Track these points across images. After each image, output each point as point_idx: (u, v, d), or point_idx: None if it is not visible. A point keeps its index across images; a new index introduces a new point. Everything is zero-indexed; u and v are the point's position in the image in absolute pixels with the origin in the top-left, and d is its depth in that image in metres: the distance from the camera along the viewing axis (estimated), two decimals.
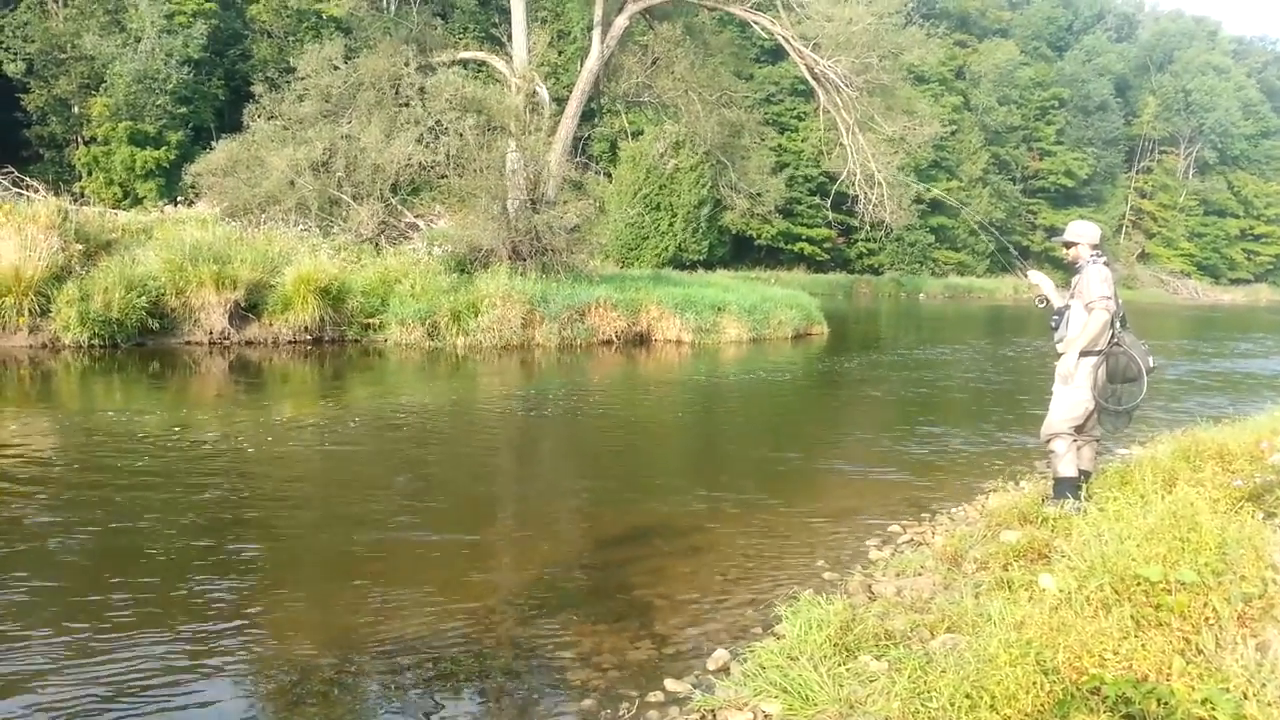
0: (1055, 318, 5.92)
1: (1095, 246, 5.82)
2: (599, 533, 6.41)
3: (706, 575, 5.48)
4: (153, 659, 4.20)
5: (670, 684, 4.04)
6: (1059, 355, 5.85)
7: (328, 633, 4.56)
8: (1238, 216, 76.81)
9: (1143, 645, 3.35)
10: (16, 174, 19.46)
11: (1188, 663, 3.24)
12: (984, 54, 68.66)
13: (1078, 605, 3.74)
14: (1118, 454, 7.94)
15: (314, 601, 5.03)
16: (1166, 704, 2.91)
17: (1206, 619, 3.51)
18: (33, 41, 35.91)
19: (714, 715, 3.73)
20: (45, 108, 37.03)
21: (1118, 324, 5.68)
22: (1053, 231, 62.14)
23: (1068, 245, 5.91)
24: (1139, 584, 3.77)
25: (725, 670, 4.16)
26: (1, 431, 8.96)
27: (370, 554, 5.70)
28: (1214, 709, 2.87)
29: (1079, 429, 5.79)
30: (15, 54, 35.77)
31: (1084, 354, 5.66)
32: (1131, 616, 3.57)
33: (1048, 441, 5.90)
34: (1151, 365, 5.60)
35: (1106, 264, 5.75)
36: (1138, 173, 77.64)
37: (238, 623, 4.64)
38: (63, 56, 36.40)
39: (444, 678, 4.14)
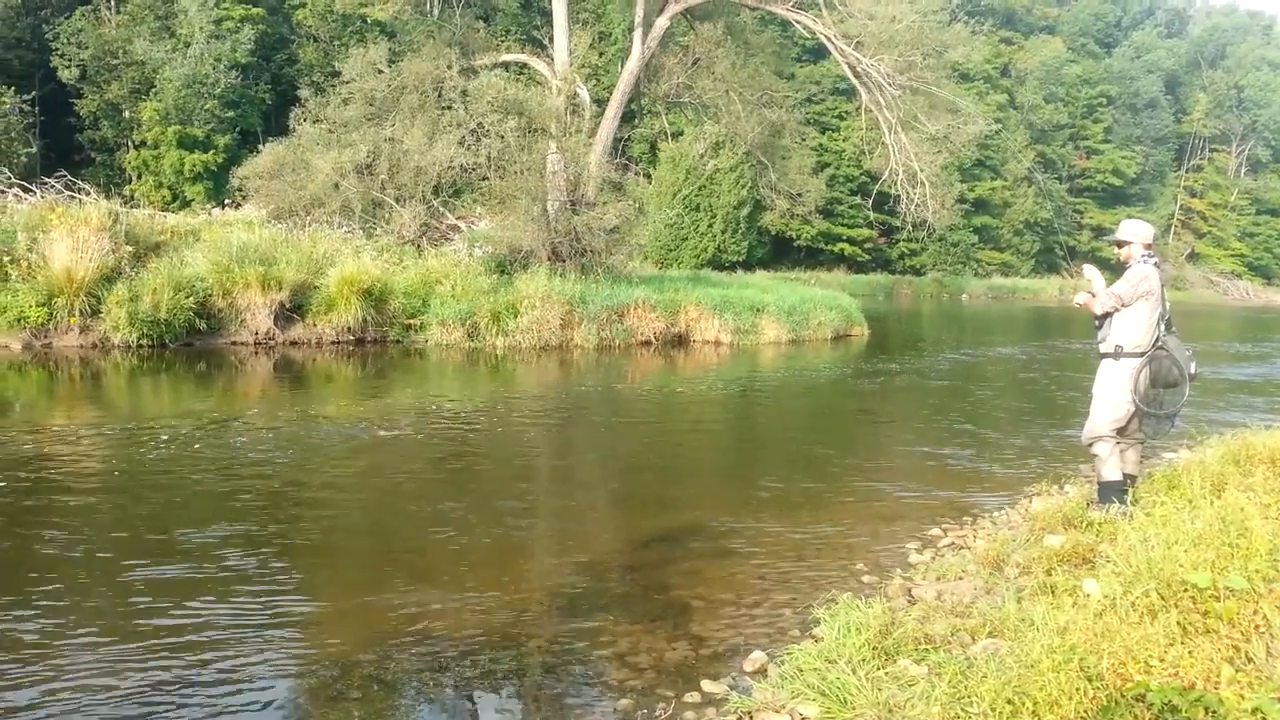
0: (1099, 317, 5.83)
1: (1148, 246, 5.73)
2: (636, 534, 6.41)
3: (743, 577, 5.46)
4: (196, 653, 4.28)
5: (707, 685, 4.03)
6: (1102, 355, 5.76)
7: (368, 630, 4.61)
8: None
9: (1190, 652, 3.29)
10: (69, 177, 19.96)
11: (1237, 671, 3.17)
12: (1030, 51, 67.82)
13: (1123, 611, 3.68)
14: (1165, 458, 7.79)
15: (354, 599, 5.08)
16: (1215, 712, 2.85)
17: (1257, 627, 3.44)
18: (86, 48, 36.75)
19: (751, 717, 3.71)
20: (97, 112, 37.88)
21: (1162, 326, 5.58)
22: (1100, 231, 61.27)
23: (1120, 244, 5.80)
24: (1186, 590, 3.70)
25: (762, 672, 4.14)
26: (56, 430, 9.17)
27: (410, 553, 5.76)
28: (1265, 719, 2.80)
29: (1121, 431, 5.70)
30: (69, 60, 36.62)
31: (1125, 355, 5.58)
32: (1178, 623, 3.50)
33: (1090, 445, 5.81)
34: (1194, 371, 5.50)
35: (1157, 264, 5.66)
36: (1187, 171, 76.13)
37: (279, 619, 4.70)
38: (114, 62, 37.20)
39: (482, 675, 4.16)
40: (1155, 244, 5.84)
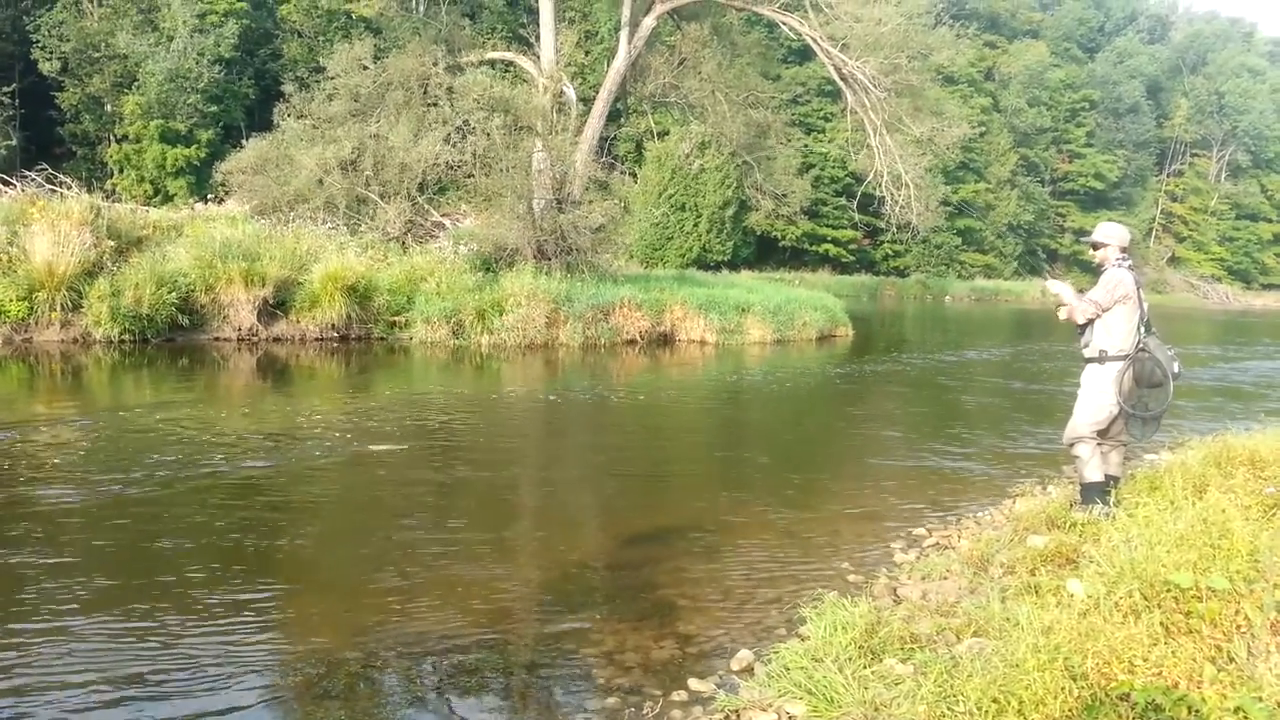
0: (1081, 326, 5.87)
1: (1124, 250, 5.77)
2: (622, 533, 6.41)
3: (730, 576, 5.48)
4: (180, 652, 4.25)
5: (694, 683, 4.04)
6: (1086, 360, 5.81)
7: (353, 628, 4.59)
8: (1270, 220, 75.90)
9: (1173, 652, 3.32)
10: (50, 171, 19.75)
11: (1219, 670, 3.20)
12: (1014, 55, 68.23)
13: (1106, 611, 3.71)
14: (1147, 459, 7.86)
15: (339, 598, 5.06)
16: (1197, 711, 2.88)
17: (1238, 626, 3.47)
18: (68, 40, 36.42)
19: (738, 715, 3.72)
20: (79, 106, 37.56)
21: (1142, 329, 5.63)
22: (1081, 234, 61.65)
23: (1095, 246, 5.85)
24: (1169, 590, 3.73)
25: (749, 671, 4.15)
26: (34, 427, 9.08)
27: (395, 551, 5.74)
28: (1246, 717, 2.84)
29: (1102, 433, 5.74)
30: (51, 53, 36.29)
31: (1110, 359, 5.62)
32: (1161, 623, 3.54)
33: (1071, 446, 5.84)
34: (1177, 370, 5.53)
35: (1131, 268, 5.70)
36: (1168, 176, 76.83)
37: (264, 618, 4.68)
38: (96, 55, 36.90)
39: (468, 674, 4.16)
40: (1136, 248, 5.89)
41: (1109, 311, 5.64)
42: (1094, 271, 5.91)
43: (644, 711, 3.84)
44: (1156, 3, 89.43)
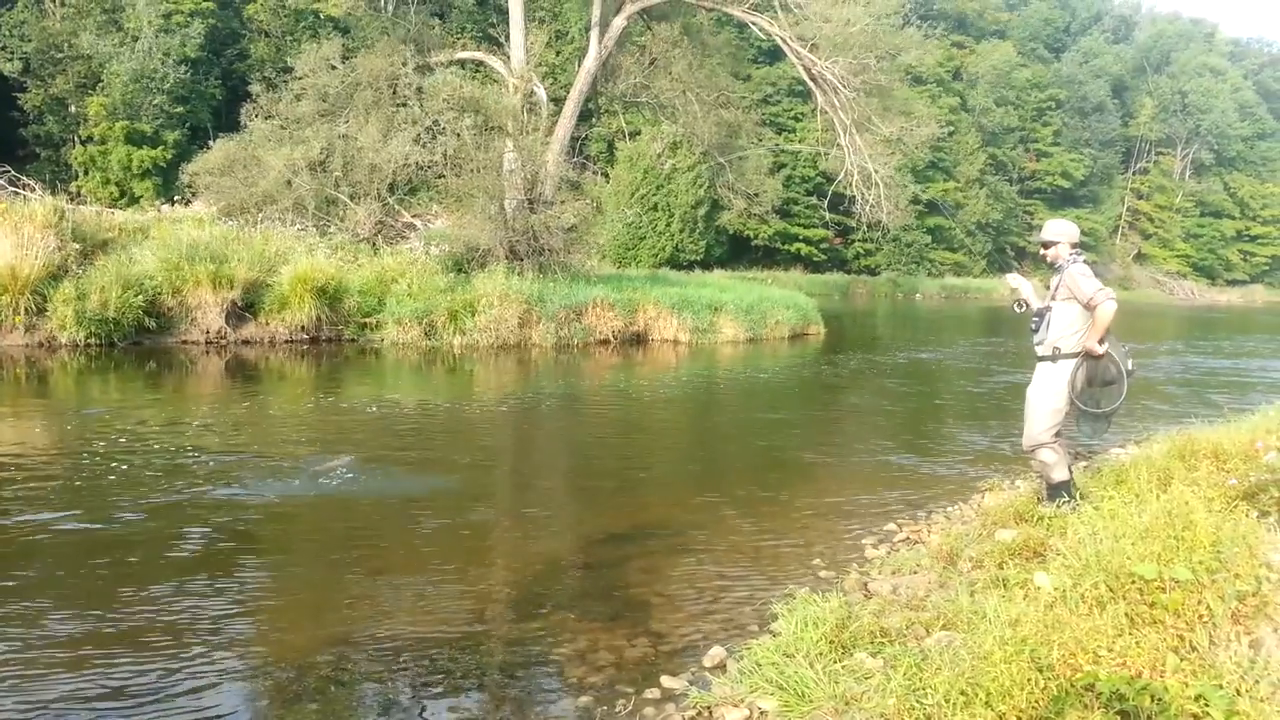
0: (1035, 320, 5.89)
1: (1075, 246, 5.81)
2: (595, 532, 6.41)
3: (703, 574, 5.50)
4: (150, 655, 4.21)
5: (667, 681, 4.06)
6: (1039, 358, 5.83)
7: (325, 631, 4.57)
8: (1234, 217, 77.09)
9: (1137, 642, 3.36)
10: (13, 173, 19.43)
11: (1181, 660, 3.25)
12: (981, 55, 68.78)
13: (1072, 603, 3.76)
14: (1113, 454, 7.96)
15: (311, 601, 5.03)
16: (1160, 700, 2.92)
17: (1200, 616, 3.53)
18: (29, 40, 35.87)
19: (710, 712, 3.74)
20: (42, 107, 36.98)
21: None
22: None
23: (1046, 245, 5.88)
24: (1134, 582, 3.78)
25: (721, 667, 4.17)
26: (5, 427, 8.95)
27: (367, 554, 5.71)
28: (1207, 705, 2.89)
29: (1058, 435, 5.80)
30: (12, 53, 35.73)
31: (1065, 356, 5.64)
32: (1126, 614, 3.58)
33: (1033, 451, 5.87)
34: (1130, 368, 5.57)
35: (1085, 262, 5.75)
36: (1134, 174, 77.84)
37: (235, 622, 4.64)
38: (60, 56, 36.35)
39: (441, 675, 4.14)
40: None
41: (1065, 303, 5.67)
42: (1050, 269, 5.95)
43: (617, 709, 3.85)
44: (1121, 3, 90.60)
